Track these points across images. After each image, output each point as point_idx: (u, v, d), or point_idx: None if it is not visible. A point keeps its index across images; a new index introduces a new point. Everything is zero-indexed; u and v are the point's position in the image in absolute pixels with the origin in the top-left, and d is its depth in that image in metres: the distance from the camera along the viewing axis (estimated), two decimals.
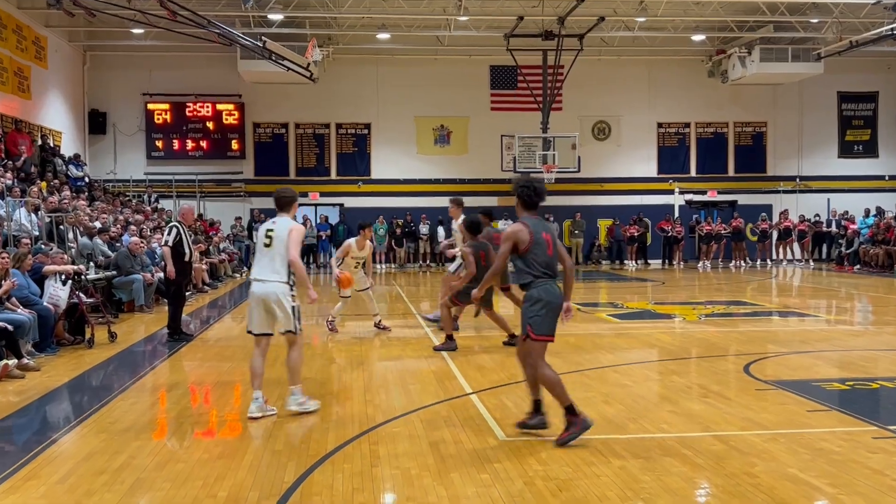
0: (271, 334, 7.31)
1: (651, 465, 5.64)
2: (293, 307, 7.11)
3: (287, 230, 7.15)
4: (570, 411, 6.12)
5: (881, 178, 30.12)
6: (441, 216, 27.81)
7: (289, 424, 6.90)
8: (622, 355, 10.34)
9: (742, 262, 27.80)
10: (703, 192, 29.72)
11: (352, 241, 12.46)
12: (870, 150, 30.32)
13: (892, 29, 22.83)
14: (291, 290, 7.11)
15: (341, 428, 6.74)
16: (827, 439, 6.19)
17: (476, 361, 9.81)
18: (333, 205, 28.94)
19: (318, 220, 28.49)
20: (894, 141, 30.34)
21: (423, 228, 28.04)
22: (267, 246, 7.19)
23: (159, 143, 28.04)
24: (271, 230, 7.22)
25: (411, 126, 28.85)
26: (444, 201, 28.37)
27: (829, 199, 29.51)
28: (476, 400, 7.72)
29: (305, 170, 28.75)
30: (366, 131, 28.90)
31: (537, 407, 6.43)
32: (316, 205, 28.89)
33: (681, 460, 5.75)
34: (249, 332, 7.34)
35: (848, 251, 26.10)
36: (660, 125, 29.71)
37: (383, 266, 27.49)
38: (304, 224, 27.61)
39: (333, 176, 28.89)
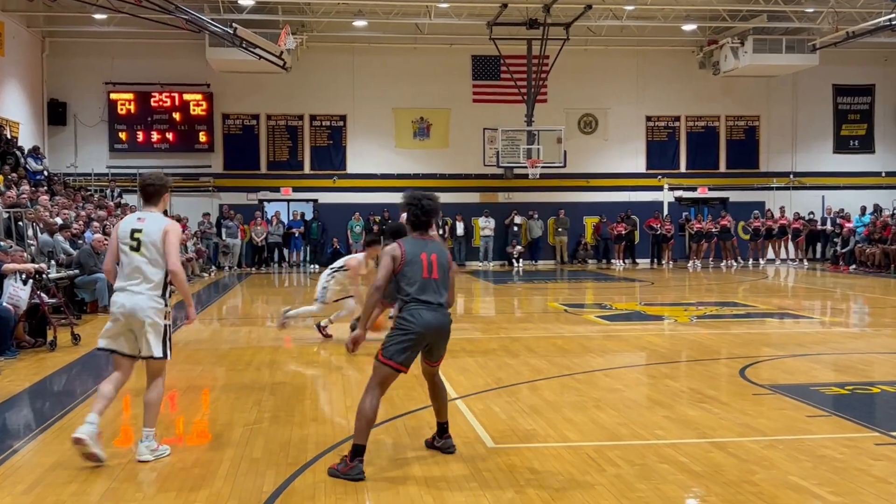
0: (137, 358, 6.23)
1: (647, 474, 5.67)
2: (165, 326, 6.12)
3: (161, 231, 6.08)
4: (357, 452, 5.67)
5: (877, 174, 30.45)
6: None
7: (266, 431, 6.88)
8: (612, 358, 10.39)
9: (733, 261, 28.00)
10: (694, 189, 29.90)
11: (360, 257, 12.01)
12: (866, 145, 30.64)
13: (889, 20, 23.08)
14: (166, 306, 6.11)
15: (321, 435, 6.72)
16: (828, 446, 6.26)
17: (460, 365, 9.81)
18: (307, 200, 28.83)
19: (291, 217, 28.39)
20: (891, 136, 30.67)
21: None
22: (134, 250, 6.08)
23: (123, 135, 27.79)
24: (138, 231, 6.10)
25: (389, 118, 28.80)
26: None
27: (823, 197, 29.79)
28: (462, 405, 7.73)
29: (277, 163, 28.63)
30: (341, 123, 28.82)
31: (443, 429, 6.27)
32: (289, 200, 28.79)
33: (678, 468, 5.79)
34: (104, 349, 6.20)
35: (843, 250, 26.37)
36: (648, 118, 29.85)
37: None
38: (272, 220, 27.52)
39: (307, 170, 28.78)
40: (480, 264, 28.09)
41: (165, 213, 6.87)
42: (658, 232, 28.33)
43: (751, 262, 28.25)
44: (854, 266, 25.26)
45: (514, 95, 27.44)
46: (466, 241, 28.52)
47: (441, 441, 6.25)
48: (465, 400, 7.97)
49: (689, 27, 27.68)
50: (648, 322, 14.12)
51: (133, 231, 6.11)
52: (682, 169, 30.06)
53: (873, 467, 5.75)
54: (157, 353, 6.09)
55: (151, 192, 6.27)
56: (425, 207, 6.07)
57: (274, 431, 6.87)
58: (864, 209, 27.76)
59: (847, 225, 27.31)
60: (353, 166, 28.84)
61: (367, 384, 5.90)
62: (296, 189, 28.59)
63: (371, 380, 5.89)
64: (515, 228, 28.37)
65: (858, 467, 5.74)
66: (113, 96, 27.64)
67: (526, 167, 26.14)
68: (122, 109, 27.73)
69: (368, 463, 5.83)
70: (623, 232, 28.36)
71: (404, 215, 10.77)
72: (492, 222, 28.05)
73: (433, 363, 6.15)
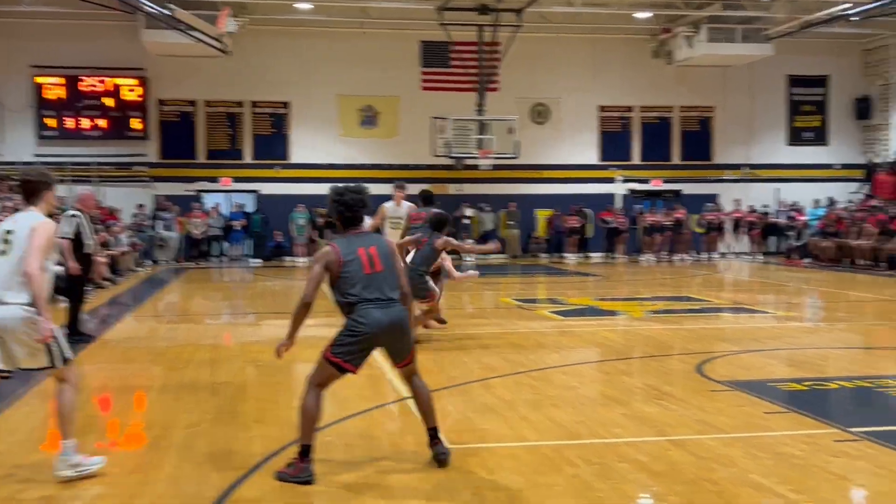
0: (7, 374, 5.81)
1: (606, 473, 5.72)
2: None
3: (28, 229, 5.60)
4: (304, 454, 5.61)
5: (831, 167, 31.10)
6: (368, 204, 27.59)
7: (209, 433, 6.78)
8: (567, 355, 10.47)
9: (686, 255, 28.40)
10: (647, 181, 30.21)
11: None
12: (819, 137, 31.26)
13: (844, 9, 23.58)
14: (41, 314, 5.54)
15: (267, 437, 6.65)
16: (787, 443, 6.38)
17: None
18: (248, 191, 28.51)
19: (231, 208, 28.04)
20: (845, 128, 31.31)
21: None
22: (2, 254, 5.61)
23: (51, 122, 27.14)
24: (10, 231, 5.66)
25: (334, 106, 28.59)
26: (371, 188, 28.26)
27: (777, 189, 30.33)
28: (414, 405, 7.69)
29: (217, 152, 28.25)
30: (284, 111, 28.54)
31: (432, 435, 6.01)
32: (228, 191, 28.43)
33: (637, 467, 5.85)
34: None
35: (797, 244, 26.96)
36: (602, 109, 30.09)
37: (303, 260, 27.25)
38: (211, 212, 27.14)
39: (248, 160, 28.45)
40: None
41: (58, 214, 6.42)
42: (611, 225, 28.60)
43: (704, 255, 28.69)
44: (808, 259, 25.82)
45: (464, 83, 27.44)
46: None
47: (433, 448, 5.94)
48: None
49: (643, 15, 27.94)
50: (603, 317, 14.26)
51: (6, 232, 5.67)
52: (636, 161, 30.35)
53: (832, 464, 5.87)
54: (44, 363, 5.62)
55: (29, 190, 5.82)
56: (349, 202, 5.90)
57: (217, 433, 6.79)
58: (817, 202, 28.38)
59: (801, 218, 27.91)
60: (296, 156, 28.59)
61: (309, 380, 5.81)
62: (236, 179, 28.23)
63: (313, 376, 5.80)
64: (465, 221, 28.39)
65: (818, 464, 5.86)
66: (40, 80, 26.96)
67: (477, 158, 26.17)
68: (50, 94, 27.08)
69: (318, 467, 5.79)
70: (576, 225, 28.57)
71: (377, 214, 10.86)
72: None
73: (401, 364, 5.97)
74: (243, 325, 14.00)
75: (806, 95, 31.18)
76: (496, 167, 26.90)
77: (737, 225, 28.93)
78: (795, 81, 30.94)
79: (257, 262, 27.03)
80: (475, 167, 26.90)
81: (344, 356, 5.72)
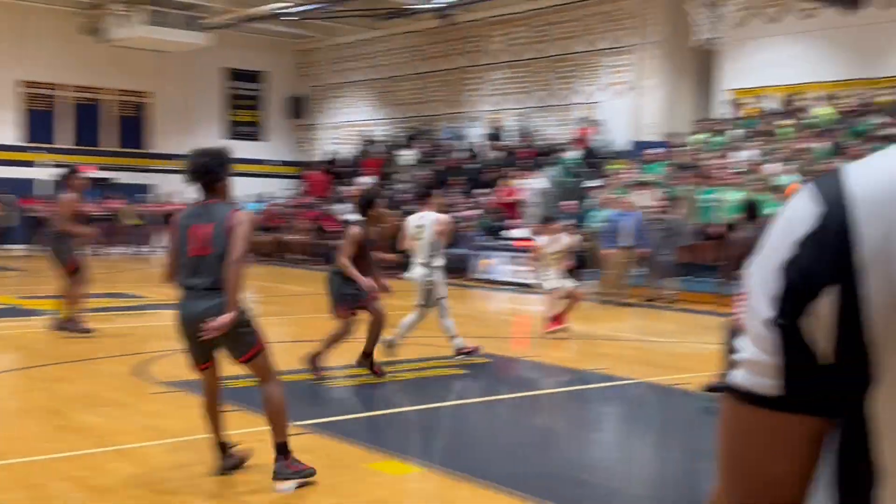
0: None
1: (44, 496, 5.31)
2: None
3: None
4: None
5: (269, 162, 32.86)
6: None
7: None
8: None
9: (121, 248, 27.80)
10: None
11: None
12: (256, 132, 32.87)
13: (276, 9, 25.01)
14: None
15: None
16: (239, 441, 6.50)
17: None
18: None
19: None
20: (281, 125, 33.36)
21: None
22: None
23: None
24: None
25: None
26: None
27: None
28: None
29: None
30: None
31: (224, 448, 5.61)
32: None
33: (79, 485, 5.52)
34: None
35: None
36: (24, 84, 28.21)
37: None
38: None
39: None
40: None
41: None
42: (39, 214, 26.81)
43: (140, 248, 28.34)
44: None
45: None
46: None
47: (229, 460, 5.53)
48: None
49: None
50: (28, 317, 13.29)
51: None
52: (65, 144, 28.96)
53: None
54: None
55: None
56: (187, 168, 5.15)
57: None
58: (257, 197, 29.79)
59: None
60: None
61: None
62: None
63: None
64: None
65: (270, 461, 6.05)
66: None
67: None
68: None
69: None
70: None
71: None
72: None
73: (237, 361, 5.39)
74: None
75: (244, 90, 32.62)
76: None
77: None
78: (234, 75, 32.20)
79: None
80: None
81: (185, 351, 5.16)
